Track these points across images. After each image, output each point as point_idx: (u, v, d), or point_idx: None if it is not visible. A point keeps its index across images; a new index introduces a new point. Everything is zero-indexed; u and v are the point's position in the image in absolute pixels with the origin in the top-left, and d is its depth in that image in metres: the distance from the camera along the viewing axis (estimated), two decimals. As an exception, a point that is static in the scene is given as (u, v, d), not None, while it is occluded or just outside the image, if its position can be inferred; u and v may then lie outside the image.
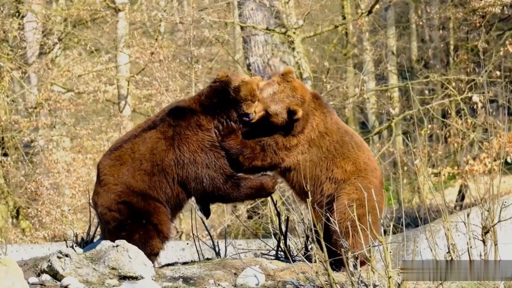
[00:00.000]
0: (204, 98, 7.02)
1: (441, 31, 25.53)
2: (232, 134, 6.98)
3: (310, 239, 7.28)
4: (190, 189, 6.91)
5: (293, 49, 18.60)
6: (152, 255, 6.85)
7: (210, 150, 6.90)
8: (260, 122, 7.06)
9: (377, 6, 19.59)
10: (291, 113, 7.00)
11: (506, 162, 18.07)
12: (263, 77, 7.44)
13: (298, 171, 7.08)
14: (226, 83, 6.97)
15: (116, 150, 7.01)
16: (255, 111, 6.97)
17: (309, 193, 6.79)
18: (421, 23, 23.92)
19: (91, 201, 7.23)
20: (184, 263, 7.54)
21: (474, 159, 19.16)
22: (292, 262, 6.87)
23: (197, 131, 6.92)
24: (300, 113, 7.00)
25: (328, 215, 6.71)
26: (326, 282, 6.17)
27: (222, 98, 6.96)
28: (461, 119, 18.95)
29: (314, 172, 7.06)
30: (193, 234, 8.69)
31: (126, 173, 6.87)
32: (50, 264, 6.46)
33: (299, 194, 7.28)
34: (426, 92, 22.73)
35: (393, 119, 19.78)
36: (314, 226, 6.33)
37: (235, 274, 6.77)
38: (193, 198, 7.13)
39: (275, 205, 8.22)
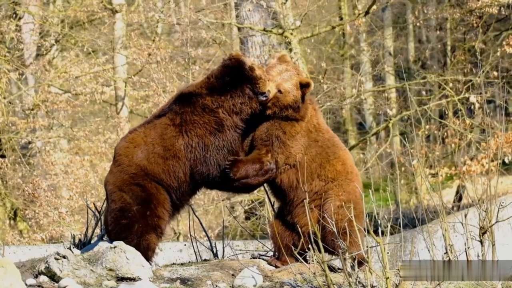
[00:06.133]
0: (213, 80, 6.95)
1: (438, 32, 25.54)
2: (238, 163, 6.80)
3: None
4: (196, 173, 6.88)
5: (290, 50, 18.59)
6: (149, 250, 6.84)
7: (217, 131, 6.88)
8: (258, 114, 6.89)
9: (374, 7, 19.57)
10: (303, 86, 6.86)
11: (503, 163, 18.07)
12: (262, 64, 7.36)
13: (295, 167, 6.90)
14: (241, 61, 6.88)
15: (131, 134, 7.09)
16: (269, 90, 6.87)
17: (306, 193, 6.77)
18: (418, 23, 23.92)
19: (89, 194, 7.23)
20: (182, 264, 7.54)
21: (471, 159, 19.16)
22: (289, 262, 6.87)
23: (203, 113, 6.89)
24: (312, 84, 6.91)
25: (325, 215, 6.70)
26: (324, 283, 6.16)
27: (235, 76, 6.86)
28: (459, 120, 18.95)
29: (309, 168, 6.89)
30: (190, 235, 8.69)
31: (140, 155, 6.89)
32: (47, 266, 6.46)
33: (283, 190, 7.01)
34: (424, 92, 22.73)
35: (390, 119, 19.77)
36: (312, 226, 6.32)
37: (232, 275, 6.76)
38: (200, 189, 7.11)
39: (272, 206, 8.22)
